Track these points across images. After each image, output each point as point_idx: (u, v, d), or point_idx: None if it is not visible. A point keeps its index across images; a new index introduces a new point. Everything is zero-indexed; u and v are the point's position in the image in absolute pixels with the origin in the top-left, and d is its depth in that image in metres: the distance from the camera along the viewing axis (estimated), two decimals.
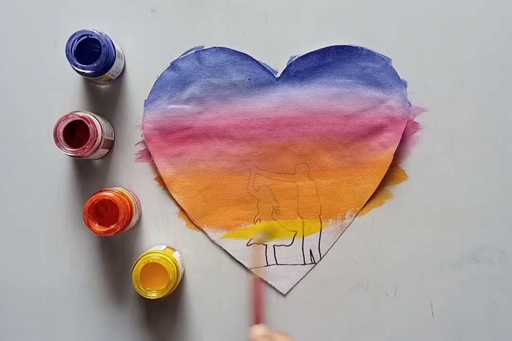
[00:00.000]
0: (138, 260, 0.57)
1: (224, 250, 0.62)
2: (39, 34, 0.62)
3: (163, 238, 0.62)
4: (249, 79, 0.62)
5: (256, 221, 0.62)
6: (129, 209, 0.57)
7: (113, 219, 0.57)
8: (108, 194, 0.57)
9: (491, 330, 0.62)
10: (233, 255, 0.62)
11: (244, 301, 0.62)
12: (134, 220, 0.59)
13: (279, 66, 0.62)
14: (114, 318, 0.62)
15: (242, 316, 0.62)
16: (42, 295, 0.62)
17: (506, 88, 0.62)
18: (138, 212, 0.60)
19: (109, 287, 0.62)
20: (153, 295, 0.56)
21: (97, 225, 0.57)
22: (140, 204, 0.61)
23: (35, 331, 0.62)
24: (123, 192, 0.59)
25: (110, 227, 0.56)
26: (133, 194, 0.61)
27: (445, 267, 0.62)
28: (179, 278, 0.58)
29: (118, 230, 0.56)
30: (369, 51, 0.61)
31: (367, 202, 0.62)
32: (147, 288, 0.56)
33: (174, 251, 0.61)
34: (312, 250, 0.62)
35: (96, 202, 0.57)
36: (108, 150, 0.61)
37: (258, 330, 0.55)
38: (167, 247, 0.61)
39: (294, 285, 0.62)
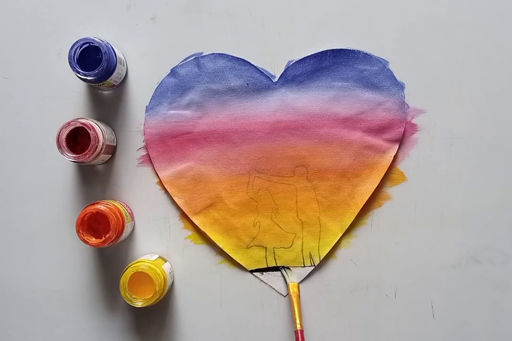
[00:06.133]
0: (128, 267, 0.58)
1: (225, 252, 0.63)
2: (44, 44, 0.64)
3: (165, 240, 0.63)
4: (247, 84, 0.63)
5: (256, 223, 0.63)
6: (119, 217, 0.58)
7: (108, 230, 0.58)
8: (100, 207, 0.58)
9: (492, 331, 0.61)
10: (233, 257, 0.63)
11: (242, 306, 0.63)
12: (128, 224, 0.60)
13: (276, 70, 0.63)
14: (115, 319, 0.63)
15: (242, 318, 0.63)
16: (49, 297, 0.64)
17: (505, 88, 0.62)
18: (131, 217, 0.62)
19: (112, 290, 0.63)
20: (139, 304, 0.57)
21: (93, 239, 0.58)
22: (130, 208, 0.63)
23: (42, 332, 0.64)
24: (113, 203, 0.60)
25: (102, 239, 0.57)
26: (121, 202, 0.62)
27: (446, 268, 0.62)
28: (166, 290, 0.59)
29: (112, 239, 0.57)
30: (366, 54, 0.62)
31: (366, 204, 0.62)
32: (133, 296, 0.57)
33: (165, 262, 0.61)
34: (311, 252, 0.62)
35: (86, 217, 0.58)
36: (110, 155, 0.63)
37: None
38: (159, 257, 0.62)
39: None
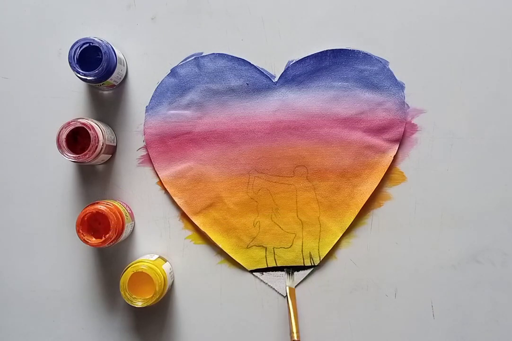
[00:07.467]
0: (128, 267, 0.58)
1: (225, 252, 0.63)
2: (44, 44, 0.64)
3: (165, 240, 0.63)
4: (247, 84, 0.63)
5: (256, 223, 0.63)
6: (119, 217, 0.58)
7: (108, 230, 0.58)
8: (100, 207, 0.57)
9: (492, 331, 0.61)
10: (233, 257, 0.63)
11: (242, 306, 0.63)
12: (128, 224, 0.60)
13: (276, 70, 0.63)
14: (115, 319, 0.63)
15: (242, 318, 0.63)
16: (49, 297, 0.64)
17: (505, 88, 0.62)
18: (131, 217, 0.62)
19: (112, 290, 0.63)
20: (139, 304, 0.57)
21: (93, 239, 0.58)
22: (130, 208, 0.63)
23: (42, 332, 0.64)
24: (113, 203, 0.60)
25: (102, 239, 0.57)
26: (121, 202, 0.62)
27: (446, 268, 0.62)
28: (166, 290, 0.59)
29: (112, 239, 0.57)
30: (366, 54, 0.62)
31: (366, 204, 0.62)
32: (133, 296, 0.57)
33: (165, 262, 0.62)
34: (311, 252, 0.62)
35: (86, 217, 0.58)
36: (110, 155, 0.63)
37: None
38: (159, 257, 0.62)
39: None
